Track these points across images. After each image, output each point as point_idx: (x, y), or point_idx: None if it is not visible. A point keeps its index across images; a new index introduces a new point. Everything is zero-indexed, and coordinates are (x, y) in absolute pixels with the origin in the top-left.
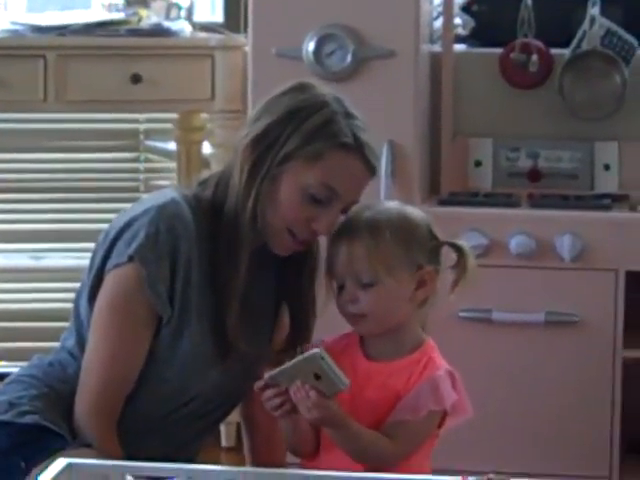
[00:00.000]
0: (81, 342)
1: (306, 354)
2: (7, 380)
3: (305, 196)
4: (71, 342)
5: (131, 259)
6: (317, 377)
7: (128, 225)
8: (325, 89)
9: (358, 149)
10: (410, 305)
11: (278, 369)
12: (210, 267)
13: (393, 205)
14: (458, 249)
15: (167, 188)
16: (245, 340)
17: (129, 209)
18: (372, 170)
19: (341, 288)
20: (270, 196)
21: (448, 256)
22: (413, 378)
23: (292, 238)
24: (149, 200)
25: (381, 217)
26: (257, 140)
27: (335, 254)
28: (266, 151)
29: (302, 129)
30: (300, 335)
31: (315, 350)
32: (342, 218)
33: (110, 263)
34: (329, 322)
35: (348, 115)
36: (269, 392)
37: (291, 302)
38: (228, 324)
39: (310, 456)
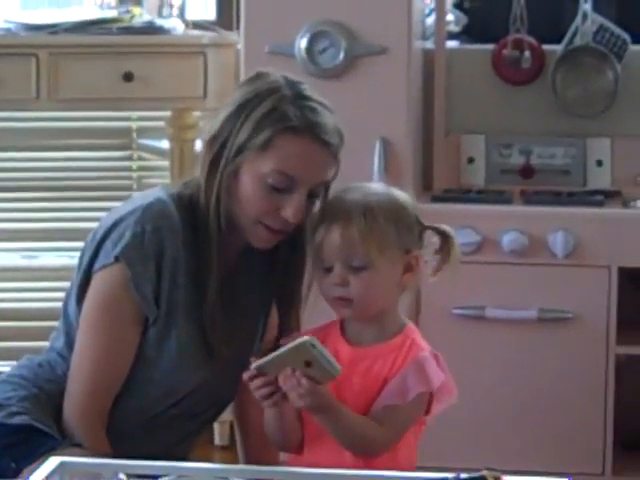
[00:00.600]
0: (70, 343)
1: (296, 342)
2: None
3: (264, 186)
4: (60, 343)
5: (117, 260)
6: (307, 364)
7: (115, 225)
8: (280, 75)
9: (307, 130)
10: (396, 290)
11: (266, 358)
12: (195, 267)
13: (379, 187)
14: (443, 234)
15: (155, 188)
16: (226, 342)
17: (117, 209)
18: (329, 148)
19: (328, 270)
20: (233, 192)
21: (430, 241)
22: (398, 362)
23: (266, 230)
24: (136, 200)
25: (371, 200)
26: (214, 137)
27: (325, 238)
28: (222, 147)
29: (250, 119)
30: (288, 330)
31: (305, 338)
32: (313, 201)
33: (97, 264)
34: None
35: (299, 97)
36: (257, 381)
37: (280, 298)
38: (206, 325)
39: (295, 449)
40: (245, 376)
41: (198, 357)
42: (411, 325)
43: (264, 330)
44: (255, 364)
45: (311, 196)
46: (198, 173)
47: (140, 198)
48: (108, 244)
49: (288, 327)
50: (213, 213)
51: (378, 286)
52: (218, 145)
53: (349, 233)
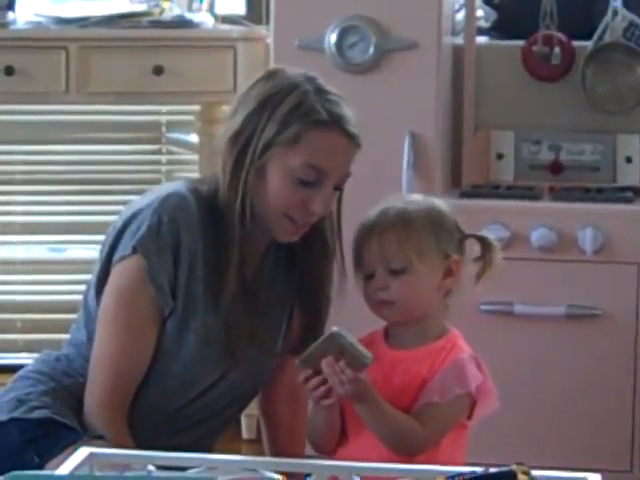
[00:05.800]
0: (90, 335)
1: (326, 334)
2: (15, 377)
3: (293, 181)
4: (80, 335)
5: (135, 251)
6: (341, 354)
7: (133, 217)
8: (296, 71)
9: (334, 123)
10: (437, 294)
11: (305, 352)
12: (214, 260)
13: (419, 197)
14: (484, 242)
15: (175, 181)
16: (249, 338)
17: (135, 201)
18: (354, 140)
19: (370, 277)
20: (259, 188)
21: (472, 248)
22: (437, 363)
23: (291, 223)
24: (154, 192)
25: (410, 207)
26: (236, 136)
27: (365, 245)
28: (246, 145)
29: (276, 115)
30: (313, 331)
31: (333, 329)
32: (336, 194)
33: (116, 255)
34: (352, 319)
35: (320, 91)
36: (314, 381)
37: (304, 298)
38: (228, 321)
39: (329, 452)
40: (301, 378)
41: (217, 351)
42: (454, 331)
43: (288, 328)
44: (298, 360)
45: (335, 188)
46: (218, 170)
47: (158, 190)
48: (126, 235)
49: (311, 325)
50: (238, 210)
51: (418, 289)
52: (241, 143)
53: (387, 239)
